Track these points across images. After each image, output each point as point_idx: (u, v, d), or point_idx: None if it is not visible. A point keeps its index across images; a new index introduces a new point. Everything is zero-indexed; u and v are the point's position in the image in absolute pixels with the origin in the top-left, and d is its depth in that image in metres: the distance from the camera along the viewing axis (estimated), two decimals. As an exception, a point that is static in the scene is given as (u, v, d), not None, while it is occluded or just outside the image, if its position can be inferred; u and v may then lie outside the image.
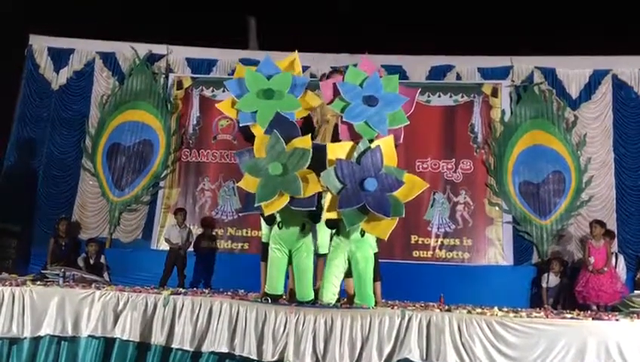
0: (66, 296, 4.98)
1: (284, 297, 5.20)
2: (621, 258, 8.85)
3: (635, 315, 5.64)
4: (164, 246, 9.36)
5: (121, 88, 10.45)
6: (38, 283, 5.97)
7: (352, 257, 4.99)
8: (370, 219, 4.79)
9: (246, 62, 9.97)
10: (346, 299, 5.32)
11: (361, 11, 10.25)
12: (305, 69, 10.15)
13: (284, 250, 5.06)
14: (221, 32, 10.41)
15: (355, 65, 5.29)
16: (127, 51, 10.56)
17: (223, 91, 10.18)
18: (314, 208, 4.85)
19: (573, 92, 9.98)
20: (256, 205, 4.80)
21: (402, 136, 5.21)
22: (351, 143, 4.92)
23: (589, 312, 6.09)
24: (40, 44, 10.67)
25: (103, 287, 5.68)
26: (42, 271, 7.95)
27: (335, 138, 5.19)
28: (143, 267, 9.32)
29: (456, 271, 9.36)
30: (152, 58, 10.59)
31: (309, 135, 4.92)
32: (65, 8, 9.98)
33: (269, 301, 4.91)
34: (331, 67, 6.71)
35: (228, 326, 4.66)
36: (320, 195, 4.99)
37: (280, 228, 5.04)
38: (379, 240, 5.16)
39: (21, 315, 4.91)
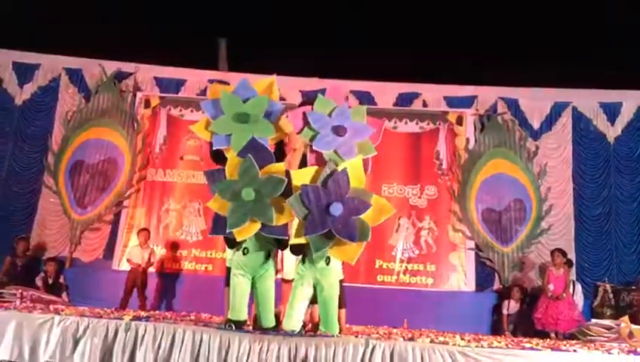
0: (24, 320, 4.83)
1: (248, 324, 5.17)
2: (578, 286, 9.09)
3: (592, 344, 5.80)
4: (126, 267, 9.20)
5: (87, 105, 10.30)
6: (-5, 304, 5.83)
7: (317, 284, 5.00)
8: (337, 243, 4.81)
9: (215, 82, 10.02)
10: (311, 326, 5.32)
11: (331, 37, 10.38)
12: (274, 91, 10.24)
13: (247, 276, 5.04)
14: (191, 53, 10.42)
15: (322, 93, 5.34)
16: (94, 68, 10.46)
17: (192, 111, 10.21)
18: (287, 236, 4.86)
19: (535, 123, 10.28)
20: (228, 231, 4.79)
21: (370, 166, 5.27)
22: (315, 168, 4.95)
23: (547, 342, 6.20)
24: (4, 58, 10.48)
25: (62, 310, 5.57)
26: (-1, 291, 7.80)
27: (303, 167, 5.21)
28: (104, 288, 9.15)
29: (419, 296, 9.44)
30: (120, 76, 10.50)
31: (283, 163, 4.95)
32: (31, 23, 9.88)
33: (233, 327, 4.88)
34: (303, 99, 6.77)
35: (191, 354, 4.58)
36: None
37: (244, 254, 5.02)
38: (343, 264, 5.19)
39: (-24, 340, 4.76)
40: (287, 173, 4.89)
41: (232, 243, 5.06)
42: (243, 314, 5.04)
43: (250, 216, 4.74)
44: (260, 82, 5.34)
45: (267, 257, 5.05)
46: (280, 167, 4.90)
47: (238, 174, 4.81)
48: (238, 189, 4.74)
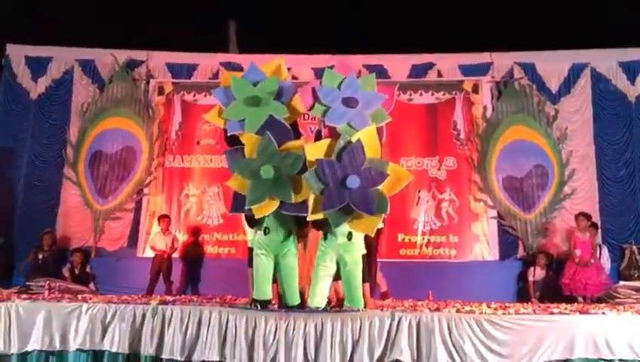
0: (52, 309, 4.92)
1: (273, 303, 5.19)
2: (605, 249, 8.97)
3: (622, 307, 5.73)
4: (151, 254, 9.28)
5: (101, 96, 10.31)
6: (24, 296, 5.92)
7: (340, 260, 4.99)
8: (356, 216, 4.79)
9: (227, 65, 10.02)
10: (336, 301, 5.33)
11: (340, 12, 10.26)
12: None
13: (269, 255, 5.06)
14: (201, 36, 10.38)
15: (331, 68, 5.27)
16: (106, 58, 10.42)
17: (205, 95, 10.18)
18: (305, 214, 4.84)
19: (553, 86, 10.07)
20: (247, 208, 4.80)
21: (385, 134, 5.22)
22: (329, 140, 4.91)
23: (575, 306, 6.14)
24: (17, 53, 10.47)
25: (90, 298, 5.64)
26: (27, 283, 7.91)
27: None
28: (130, 275, 9.25)
29: (443, 267, 9.38)
30: (132, 64, 10.47)
31: (301, 139, 4.94)
32: (42, 16, 9.90)
33: (259, 307, 4.91)
34: None
35: (218, 334, 4.64)
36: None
37: (266, 234, 5.03)
38: (370, 239, 5.16)
39: (7, 331, 4.85)
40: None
41: (252, 222, 5.07)
42: (267, 294, 5.06)
43: (269, 194, 4.74)
44: (269, 64, 5.33)
45: (288, 236, 5.06)
46: (299, 143, 4.88)
47: (256, 152, 4.81)
48: (256, 167, 4.74)
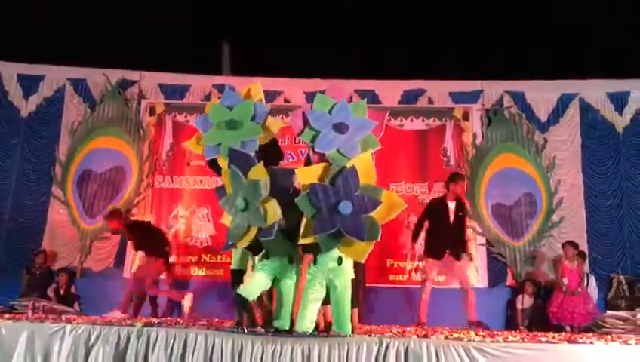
0: (35, 330, 4.83)
1: (252, 303, 5.16)
2: (592, 278, 9.01)
3: (609, 337, 5.72)
4: (137, 275, 9.18)
5: (92, 115, 10.30)
6: (7, 316, 5.84)
7: (330, 284, 4.96)
8: (347, 242, 4.77)
9: (219, 87, 10.06)
10: (324, 326, 5.29)
11: (333, 36, 10.36)
12: (278, 93, 10.24)
13: (270, 275, 5.06)
14: (194, 58, 10.42)
15: (322, 92, 5.28)
16: (98, 77, 10.45)
17: (197, 117, 10.14)
18: (272, 236, 4.78)
19: (542, 115, 10.19)
20: (230, 243, 4.84)
21: (374, 160, 5.23)
22: (323, 165, 4.90)
23: (563, 335, 6.12)
24: (9, 71, 10.48)
25: (74, 319, 5.56)
26: (12, 303, 7.84)
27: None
28: (115, 296, 9.10)
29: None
30: (124, 84, 10.49)
31: (262, 162, 4.90)
32: (35, 34, 9.91)
33: (245, 330, 4.86)
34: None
35: (203, 358, 4.57)
36: (300, 219, 4.94)
37: (268, 259, 5.06)
38: (357, 265, 5.15)
39: (-12, 351, 4.76)
40: (293, 172, 4.88)
41: (255, 250, 5.08)
42: (253, 294, 5.02)
43: (247, 223, 4.77)
44: (245, 88, 5.41)
45: (290, 261, 5.06)
46: (259, 167, 4.86)
47: (231, 186, 4.88)
48: (233, 201, 4.80)
